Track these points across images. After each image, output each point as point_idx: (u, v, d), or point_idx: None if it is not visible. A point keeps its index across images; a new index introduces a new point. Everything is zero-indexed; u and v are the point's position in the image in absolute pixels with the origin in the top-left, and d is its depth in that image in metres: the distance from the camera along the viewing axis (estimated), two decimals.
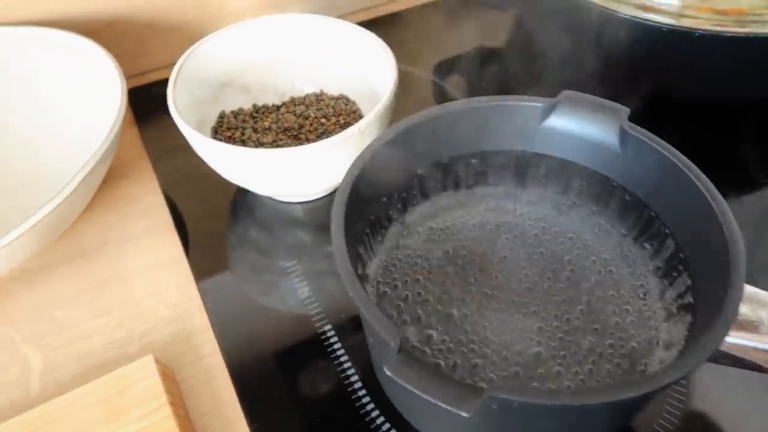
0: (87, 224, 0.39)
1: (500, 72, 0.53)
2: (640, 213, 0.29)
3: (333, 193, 0.39)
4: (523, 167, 0.32)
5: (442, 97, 0.51)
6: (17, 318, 0.34)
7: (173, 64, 0.51)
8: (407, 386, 0.20)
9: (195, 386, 0.31)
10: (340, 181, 0.27)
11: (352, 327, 0.33)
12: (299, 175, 0.34)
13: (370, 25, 0.40)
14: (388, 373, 0.20)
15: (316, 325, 0.33)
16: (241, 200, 0.40)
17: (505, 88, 0.51)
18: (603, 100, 0.29)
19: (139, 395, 0.29)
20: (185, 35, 0.51)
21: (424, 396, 0.19)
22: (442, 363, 0.26)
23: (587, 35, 0.41)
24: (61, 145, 0.41)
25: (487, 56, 0.55)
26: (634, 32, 0.38)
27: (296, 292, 0.35)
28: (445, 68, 0.54)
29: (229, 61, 0.40)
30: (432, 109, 0.30)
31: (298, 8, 0.54)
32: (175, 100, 0.35)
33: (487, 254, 0.31)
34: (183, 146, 0.36)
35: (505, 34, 0.56)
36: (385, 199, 0.30)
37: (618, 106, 0.29)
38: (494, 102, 0.30)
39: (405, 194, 0.32)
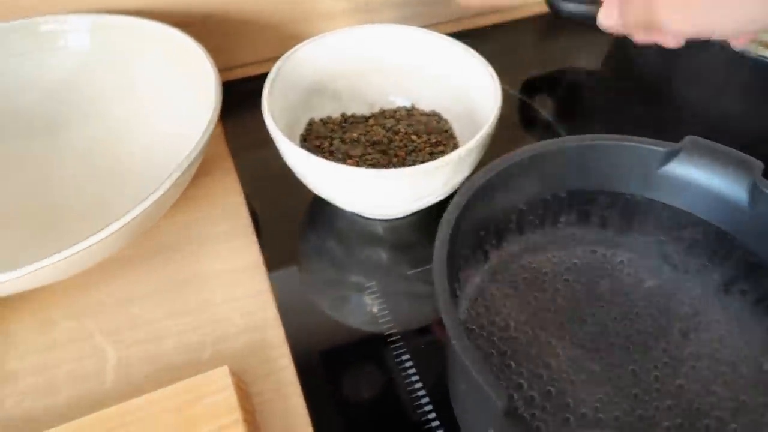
0: (167, 221, 0.38)
1: (592, 96, 0.51)
2: (765, 278, 0.27)
3: (416, 213, 0.38)
4: (631, 211, 0.30)
5: (528, 114, 0.49)
6: (96, 310, 0.34)
7: (259, 61, 0.51)
8: None
9: (268, 402, 0.30)
10: (443, 219, 0.25)
11: (427, 352, 0.32)
12: (388, 196, 0.33)
13: (458, 37, 0.38)
14: None
15: (392, 348, 0.32)
16: (320, 209, 0.39)
17: (595, 113, 0.49)
18: (733, 150, 0.27)
19: (213, 408, 0.28)
20: (273, 34, 0.50)
21: None
22: (538, 423, 0.25)
23: (703, 71, 0.38)
24: (153, 135, 0.41)
25: (579, 78, 0.53)
26: (760, 72, 0.35)
27: (372, 311, 0.34)
28: (533, 86, 0.51)
29: (323, 68, 0.39)
30: (545, 142, 0.28)
31: (388, 14, 0.53)
32: (270, 106, 0.34)
33: (581, 302, 0.29)
34: (264, 145, 0.35)
35: (600, 57, 0.54)
36: (482, 233, 0.29)
37: (751, 159, 0.26)
38: (611, 141, 0.28)
39: (501, 228, 0.30)
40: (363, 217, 0.38)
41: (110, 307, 0.34)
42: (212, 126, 0.34)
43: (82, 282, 0.35)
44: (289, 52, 0.37)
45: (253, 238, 0.38)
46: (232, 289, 0.35)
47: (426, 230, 0.38)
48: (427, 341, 0.32)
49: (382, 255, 0.37)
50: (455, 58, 0.38)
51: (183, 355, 0.32)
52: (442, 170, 0.31)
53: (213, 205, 0.40)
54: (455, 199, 0.26)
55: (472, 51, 0.37)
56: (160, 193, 0.31)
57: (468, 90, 0.37)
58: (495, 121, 0.32)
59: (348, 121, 0.40)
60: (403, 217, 0.38)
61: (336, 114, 0.41)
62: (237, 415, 0.28)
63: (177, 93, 0.41)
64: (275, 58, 0.37)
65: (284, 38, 0.51)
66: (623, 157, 0.28)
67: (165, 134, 0.40)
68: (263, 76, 0.36)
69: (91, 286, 0.35)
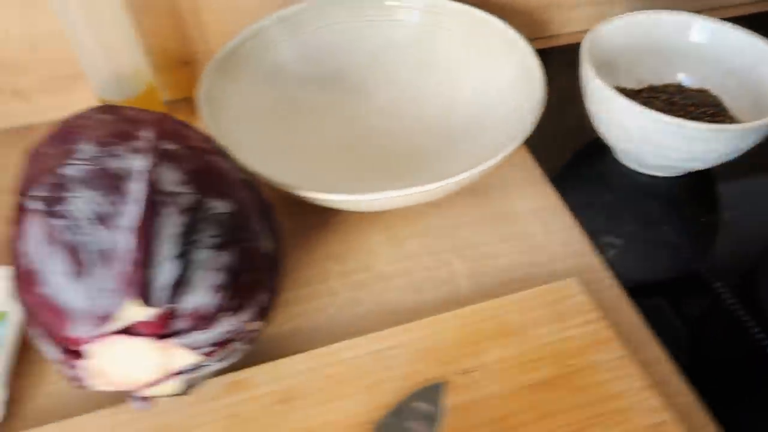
0: None
1: None
2: None
3: (681, 176, 0.44)
4: None
5: None
6: (432, 232, 0.42)
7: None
8: None
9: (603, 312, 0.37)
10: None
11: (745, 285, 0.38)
12: (694, 151, 0.39)
13: None
14: None
15: (707, 283, 0.39)
16: (590, 161, 0.46)
17: None
18: None
19: (574, 307, 0.35)
20: (523, 18, 0.57)
21: None
22: None
23: None
24: (451, 103, 0.47)
25: None
26: None
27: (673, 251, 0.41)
28: None
29: (613, 44, 0.46)
30: None
31: (626, 6, 0.59)
32: (589, 70, 0.41)
33: None
34: None
35: None
36: None
37: None
38: None
39: None
40: (636, 172, 0.45)
41: (442, 231, 0.42)
42: (544, 100, 0.40)
43: (414, 210, 0.43)
44: (596, 27, 0.44)
45: (547, 185, 0.44)
46: (543, 224, 0.42)
47: (692, 191, 0.45)
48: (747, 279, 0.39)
49: (664, 207, 0.43)
50: (740, 42, 0.44)
51: (520, 270, 0.39)
52: (759, 131, 0.37)
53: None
54: None
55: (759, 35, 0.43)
56: (506, 152, 0.37)
57: (751, 69, 0.43)
58: None
59: (621, 93, 0.47)
60: (671, 177, 0.44)
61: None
62: (597, 314, 0.35)
63: (477, 68, 0.47)
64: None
65: (531, 22, 0.58)
66: None
67: (462, 103, 0.47)
68: None
69: (425, 216, 0.43)
